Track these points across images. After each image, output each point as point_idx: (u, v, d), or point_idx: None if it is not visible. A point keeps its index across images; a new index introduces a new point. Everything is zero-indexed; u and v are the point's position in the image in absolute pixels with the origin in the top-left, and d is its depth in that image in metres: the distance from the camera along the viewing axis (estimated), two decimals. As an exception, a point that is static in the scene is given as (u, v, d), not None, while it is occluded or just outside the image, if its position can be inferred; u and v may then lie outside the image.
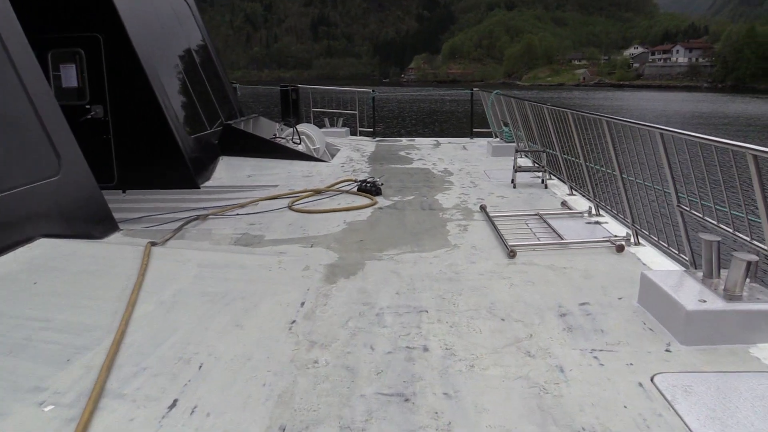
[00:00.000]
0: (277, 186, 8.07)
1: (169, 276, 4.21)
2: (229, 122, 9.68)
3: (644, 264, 4.47)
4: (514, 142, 10.25)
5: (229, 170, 9.06)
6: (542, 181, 7.73)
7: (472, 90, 13.03)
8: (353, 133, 13.52)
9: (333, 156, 10.88)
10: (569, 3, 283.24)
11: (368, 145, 12.16)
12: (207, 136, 9.28)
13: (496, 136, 12.69)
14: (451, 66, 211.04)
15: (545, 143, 8.15)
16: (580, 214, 6.01)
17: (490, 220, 5.72)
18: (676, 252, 4.32)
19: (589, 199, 6.20)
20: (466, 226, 5.68)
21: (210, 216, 6.35)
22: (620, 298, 3.76)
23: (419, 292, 3.94)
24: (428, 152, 11.04)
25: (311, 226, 5.81)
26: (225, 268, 4.45)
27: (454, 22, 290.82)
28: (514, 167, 7.71)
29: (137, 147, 8.19)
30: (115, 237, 5.57)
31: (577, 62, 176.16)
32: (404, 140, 12.85)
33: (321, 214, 6.33)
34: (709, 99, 78.19)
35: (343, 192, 7.32)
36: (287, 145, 9.91)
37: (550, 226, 5.51)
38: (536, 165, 8.38)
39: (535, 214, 5.94)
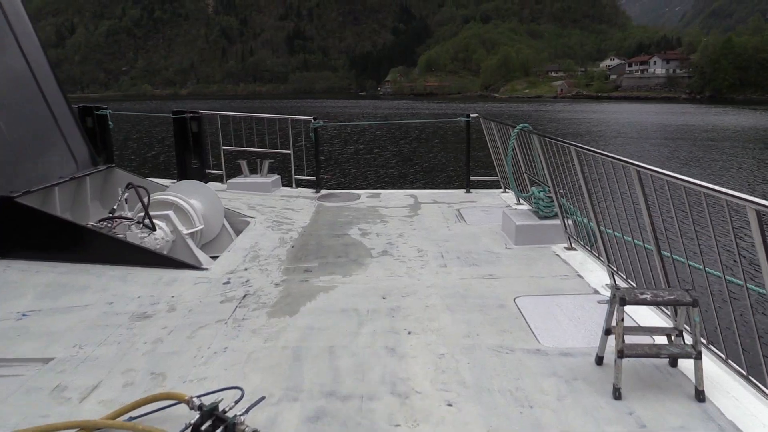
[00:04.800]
0: (51, 360, 3.43)
1: None
2: (12, 194, 4.95)
3: None
4: (553, 216, 5.69)
5: None
6: (672, 362, 3.15)
7: (469, 117, 8.37)
8: (287, 182, 8.84)
9: (236, 236, 6.25)
10: (543, 15, 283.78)
11: (304, 207, 7.50)
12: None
13: (505, 189, 8.15)
14: (428, 79, 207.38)
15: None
16: None
17: None
18: None
19: None
20: None
21: None
22: None
23: None
24: (399, 227, 6.43)
25: None
26: None
27: (429, 35, 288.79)
28: (610, 324, 3.10)
29: None
30: None
31: (554, 74, 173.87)
32: (363, 196, 8.20)
33: None
34: (692, 110, 75.58)
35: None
36: (126, 236, 5.21)
37: None
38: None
39: None
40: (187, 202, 5.77)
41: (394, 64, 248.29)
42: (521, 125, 5.97)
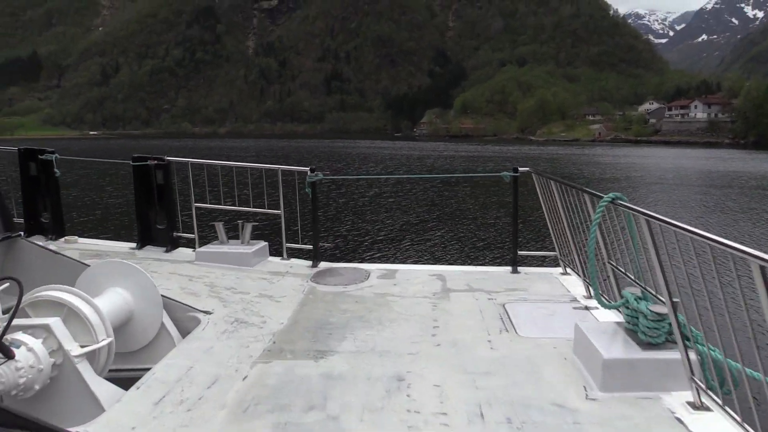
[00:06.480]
0: None
1: None
2: None
3: None
4: (663, 343, 3.49)
5: None
6: None
7: (516, 172, 6.11)
8: (276, 251, 6.82)
9: (181, 340, 4.24)
10: (580, 59, 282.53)
11: (288, 293, 5.44)
12: None
13: (565, 269, 5.95)
14: (464, 120, 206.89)
15: None
16: None
17: None
18: None
19: None
20: None
21: None
22: None
23: None
24: (416, 337, 4.30)
25: None
26: None
27: (465, 78, 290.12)
28: None
29: None
30: None
31: (591, 117, 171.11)
32: (374, 274, 6.12)
33: None
34: (737, 156, 72.26)
35: None
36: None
37: None
38: None
39: None
40: (88, 302, 3.77)
41: (430, 105, 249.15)
42: (611, 195, 3.74)
